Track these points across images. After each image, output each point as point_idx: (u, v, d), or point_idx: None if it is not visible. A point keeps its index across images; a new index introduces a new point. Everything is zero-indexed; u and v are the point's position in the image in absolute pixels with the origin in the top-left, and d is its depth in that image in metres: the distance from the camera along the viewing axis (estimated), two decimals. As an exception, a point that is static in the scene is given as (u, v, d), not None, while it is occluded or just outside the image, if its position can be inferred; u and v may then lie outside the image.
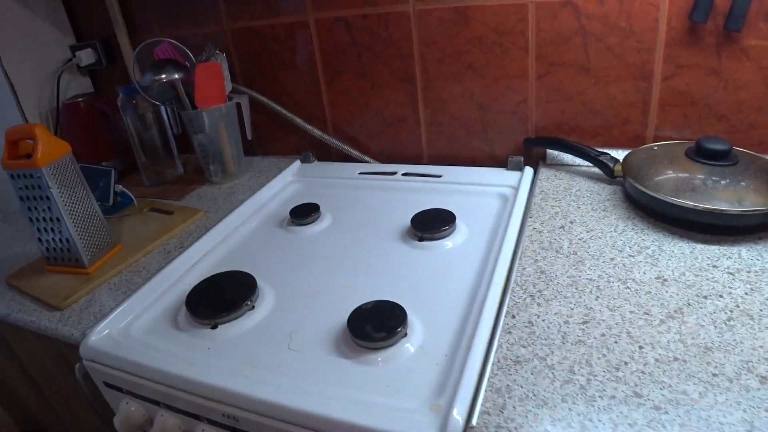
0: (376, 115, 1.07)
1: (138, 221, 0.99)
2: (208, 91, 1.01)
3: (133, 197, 1.02)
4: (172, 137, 1.17)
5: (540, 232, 0.76)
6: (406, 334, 0.61)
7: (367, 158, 1.10)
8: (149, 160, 1.15)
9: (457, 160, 1.05)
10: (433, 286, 0.70)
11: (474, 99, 0.99)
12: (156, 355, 0.64)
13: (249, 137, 1.11)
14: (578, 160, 0.93)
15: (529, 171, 0.94)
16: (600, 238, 0.73)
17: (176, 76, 0.96)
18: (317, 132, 1.11)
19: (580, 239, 0.73)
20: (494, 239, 0.78)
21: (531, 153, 1.00)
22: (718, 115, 0.87)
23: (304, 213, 0.90)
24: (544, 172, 0.94)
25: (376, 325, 0.61)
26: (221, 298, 0.71)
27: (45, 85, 1.23)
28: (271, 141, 1.20)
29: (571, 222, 0.78)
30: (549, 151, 0.96)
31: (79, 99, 1.22)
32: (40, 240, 0.84)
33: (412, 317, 0.63)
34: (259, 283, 0.74)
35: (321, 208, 0.92)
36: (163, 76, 0.96)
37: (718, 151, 0.75)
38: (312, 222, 0.90)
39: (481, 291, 0.67)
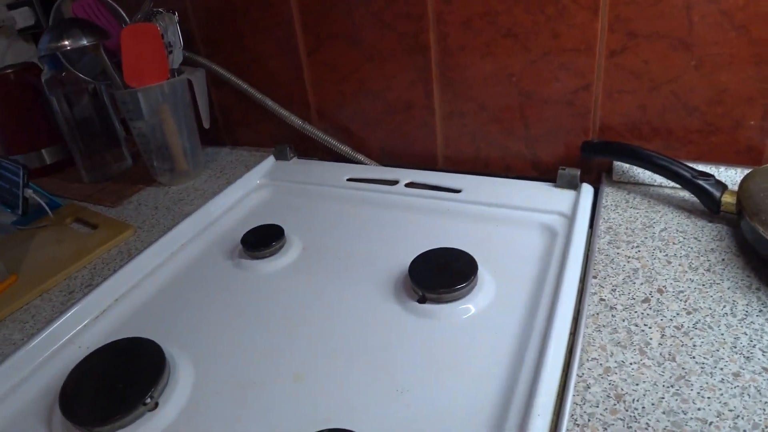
0: (375, 98, 0.78)
1: (52, 238, 0.74)
2: (142, 64, 0.73)
3: (46, 206, 0.76)
4: (116, 120, 0.91)
5: (612, 308, 0.48)
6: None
7: (360, 157, 0.81)
8: (87, 151, 0.90)
9: (485, 167, 0.76)
10: (433, 395, 0.43)
11: (512, 81, 0.69)
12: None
13: (205, 125, 0.83)
14: (660, 178, 0.64)
15: (588, 191, 0.65)
16: (710, 327, 0.45)
17: (84, 42, 0.69)
18: (297, 120, 0.83)
19: (677, 328, 0.45)
20: (535, 310, 0.50)
21: (591, 163, 0.70)
22: None
23: (261, 241, 0.64)
24: (611, 195, 0.65)
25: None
26: (110, 389, 0.46)
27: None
28: (243, 128, 0.92)
29: (660, 291, 0.49)
30: (617, 163, 0.67)
31: (9, 70, 0.95)
32: None
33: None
34: (173, 359, 0.49)
35: (286, 232, 0.65)
36: (66, 42, 0.68)
37: None
38: (271, 255, 0.63)
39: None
